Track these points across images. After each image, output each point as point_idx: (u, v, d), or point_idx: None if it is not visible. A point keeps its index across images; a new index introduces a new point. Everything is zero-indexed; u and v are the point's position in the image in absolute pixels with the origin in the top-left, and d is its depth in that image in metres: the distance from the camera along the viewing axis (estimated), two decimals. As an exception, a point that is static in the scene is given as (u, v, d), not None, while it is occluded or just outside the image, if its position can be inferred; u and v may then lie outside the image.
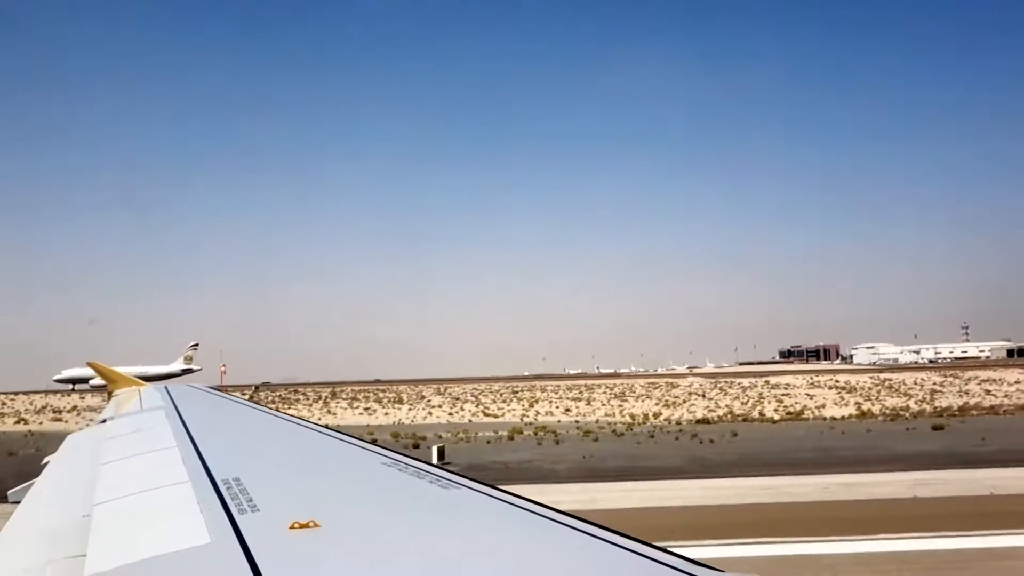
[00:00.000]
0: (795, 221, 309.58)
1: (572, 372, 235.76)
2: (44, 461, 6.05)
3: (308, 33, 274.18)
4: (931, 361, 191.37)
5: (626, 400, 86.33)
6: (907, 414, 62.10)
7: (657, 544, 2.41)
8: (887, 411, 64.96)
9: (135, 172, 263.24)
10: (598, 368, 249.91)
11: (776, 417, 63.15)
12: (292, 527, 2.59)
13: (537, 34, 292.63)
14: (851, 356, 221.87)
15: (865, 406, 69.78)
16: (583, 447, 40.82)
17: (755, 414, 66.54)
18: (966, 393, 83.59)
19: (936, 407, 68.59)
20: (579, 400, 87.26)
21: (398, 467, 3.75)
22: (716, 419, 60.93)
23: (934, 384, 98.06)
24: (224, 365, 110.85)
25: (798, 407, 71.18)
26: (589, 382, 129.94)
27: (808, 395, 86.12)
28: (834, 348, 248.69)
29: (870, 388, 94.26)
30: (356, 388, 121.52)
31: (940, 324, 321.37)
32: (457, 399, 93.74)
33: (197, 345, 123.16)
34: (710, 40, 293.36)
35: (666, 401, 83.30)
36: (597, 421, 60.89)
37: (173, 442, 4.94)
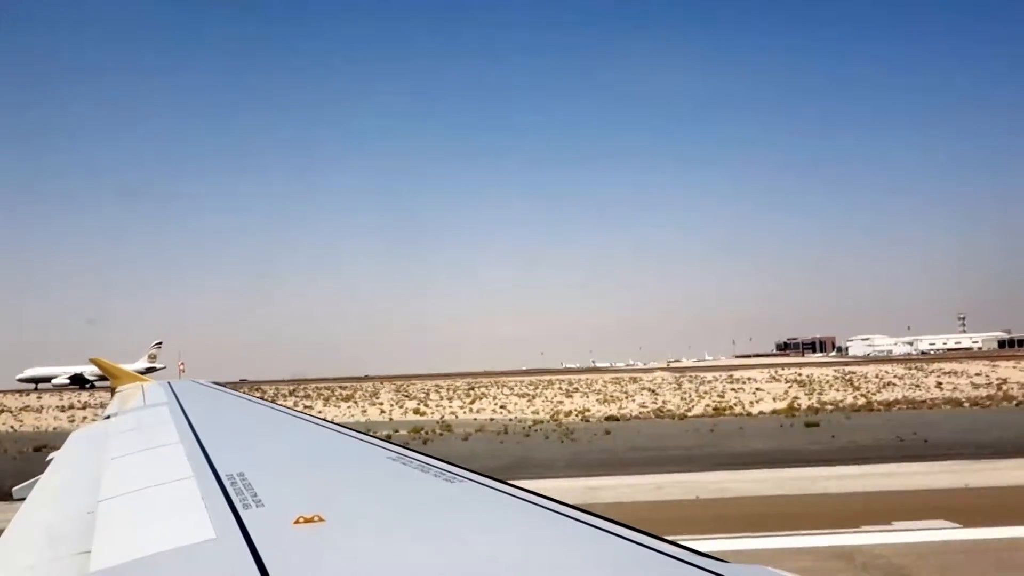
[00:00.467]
0: (793, 212, 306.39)
1: (571, 366, 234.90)
2: (48, 457, 6.01)
3: (308, 31, 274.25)
4: (923, 353, 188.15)
5: (571, 396, 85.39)
6: (832, 407, 60.99)
7: (668, 538, 2.36)
8: (817, 406, 63.78)
9: (127, 170, 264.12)
10: (593, 362, 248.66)
11: (698, 413, 62.17)
12: (297, 522, 2.57)
13: (536, 27, 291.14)
14: (847, 348, 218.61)
15: (799, 401, 68.59)
16: (446, 447, 40.00)
17: (682, 410, 65.59)
18: (917, 387, 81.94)
19: (871, 401, 67.29)
20: (524, 397, 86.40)
21: (403, 461, 3.69)
22: (631, 416, 59.94)
23: (894, 377, 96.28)
24: (182, 363, 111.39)
25: (732, 403, 70.07)
26: (553, 377, 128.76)
27: (758, 390, 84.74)
28: (830, 340, 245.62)
29: (826, 382, 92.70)
30: (321, 385, 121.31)
31: (941, 315, 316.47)
32: (407, 396, 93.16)
33: (161, 344, 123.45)
34: (711, 32, 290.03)
35: (609, 397, 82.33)
36: (512, 419, 60.08)
37: (177, 438, 4.99)
